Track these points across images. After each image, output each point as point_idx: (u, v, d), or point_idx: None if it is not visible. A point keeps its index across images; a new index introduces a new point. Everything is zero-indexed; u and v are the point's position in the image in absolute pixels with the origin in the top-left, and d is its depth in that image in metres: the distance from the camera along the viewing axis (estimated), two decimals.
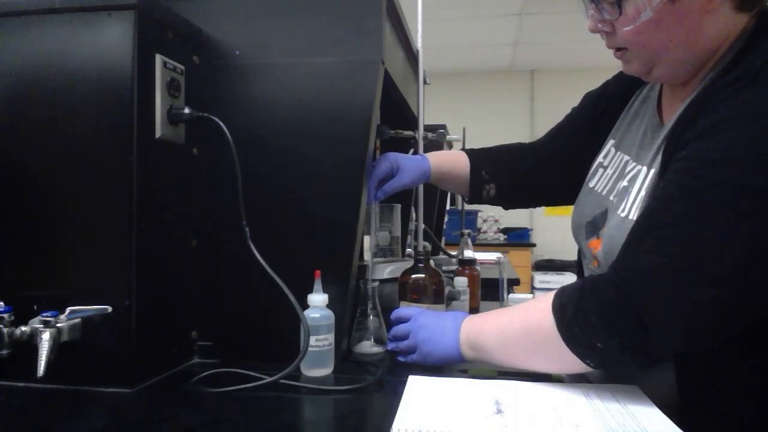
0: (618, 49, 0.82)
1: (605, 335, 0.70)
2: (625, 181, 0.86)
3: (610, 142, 0.98)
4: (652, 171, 0.81)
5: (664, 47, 0.76)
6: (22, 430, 0.73)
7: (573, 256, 0.82)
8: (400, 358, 0.96)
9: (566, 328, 0.73)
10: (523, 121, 5.81)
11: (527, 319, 0.79)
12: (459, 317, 0.90)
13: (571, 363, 0.75)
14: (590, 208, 0.94)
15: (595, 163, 0.99)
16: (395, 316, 0.99)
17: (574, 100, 1.13)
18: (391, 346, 0.98)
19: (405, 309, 1.00)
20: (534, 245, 5.46)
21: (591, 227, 0.92)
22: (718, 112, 0.69)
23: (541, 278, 5.11)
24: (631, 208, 0.81)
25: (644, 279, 0.68)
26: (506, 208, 1.24)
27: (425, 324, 0.92)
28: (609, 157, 0.96)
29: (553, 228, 5.60)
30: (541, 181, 1.15)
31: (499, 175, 1.15)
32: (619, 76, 1.03)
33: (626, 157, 0.90)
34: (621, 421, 0.68)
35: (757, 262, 0.65)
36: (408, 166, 1.08)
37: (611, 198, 0.88)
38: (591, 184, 0.97)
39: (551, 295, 0.77)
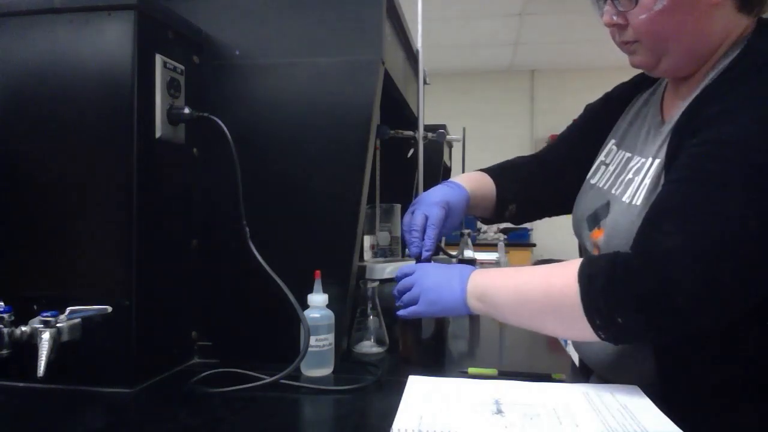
0: (626, 42, 0.85)
1: (633, 312, 0.71)
2: (630, 174, 0.89)
3: (611, 142, 1.01)
4: (657, 161, 0.83)
5: (674, 37, 0.80)
6: (22, 430, 0.73)
7: (573, 256, 0.83)
8: (402, 313, 0.92)
9: (591, 299, 0.73)
10: (523, 121, 5.79)
11: (550, 284, 0.79)
12: (466, 269, 0.89)
13: (581, 331, 0.76)
14: (591, 202, 0.96)
15: (597, 161, 1.02)
16: (400, 272, 0.96)
17: (574, 100, 1.14)
18: (397, 302, 0.95)
19: (410, 265, 0.96)
20: (534, 245, 5.45)
21: (592, 219, 0.95)
22: (725, 102, 0.73)
23: None
24: (635, 195, 0.84)
25: (672, 260, 0.69)
26: (517, 224, 1.25)
27: (431, 273, 0.91)
28: (611, 155, 0.99)
29: (553, 228, 5.55)
30: (550, 194, 1.17)
31: (520, 194, 1.16)
32: (621, 87, 1.08)
33: (628, 155, 0.93)
34: (621, 421, 0.68)
35: None
36: (457, 206, 1.05)
37: (613, 191, 0.91)
38: (592, 181, 1.00)
39: (576, 262, 0.77)
